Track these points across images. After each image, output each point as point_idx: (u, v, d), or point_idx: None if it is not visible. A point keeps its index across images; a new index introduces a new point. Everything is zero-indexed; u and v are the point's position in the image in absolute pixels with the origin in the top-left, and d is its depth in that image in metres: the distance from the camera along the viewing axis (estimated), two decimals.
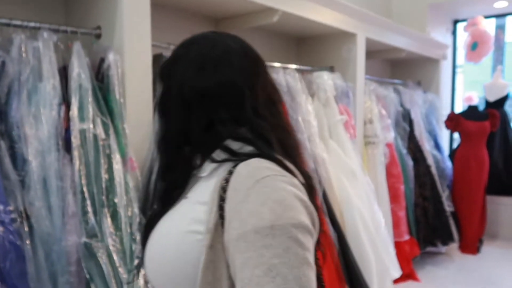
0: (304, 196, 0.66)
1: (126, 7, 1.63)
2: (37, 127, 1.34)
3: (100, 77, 1.63)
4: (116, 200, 1.43)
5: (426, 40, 3.96)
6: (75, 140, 1.40)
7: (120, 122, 1.59)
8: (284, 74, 2.43)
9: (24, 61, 1.37)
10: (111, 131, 1.55)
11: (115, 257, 1.33)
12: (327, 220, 2.28)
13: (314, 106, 2.55)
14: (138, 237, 1.46)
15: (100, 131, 1.49)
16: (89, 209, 1.35)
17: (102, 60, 1.63)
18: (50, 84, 1.39)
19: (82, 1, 1.79)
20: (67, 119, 1.47)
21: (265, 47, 2.88)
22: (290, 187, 0.64)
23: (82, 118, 1.44)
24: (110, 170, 1.46)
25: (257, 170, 0.65)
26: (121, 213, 1.43)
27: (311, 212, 0.65)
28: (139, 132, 1.67)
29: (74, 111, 1.44)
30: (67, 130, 1.46)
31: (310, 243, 0.62)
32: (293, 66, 2.61)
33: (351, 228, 2.41)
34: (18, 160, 1.34)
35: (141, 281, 1.42)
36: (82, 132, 1.43)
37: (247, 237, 0.58)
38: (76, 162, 1.39)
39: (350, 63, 3.00)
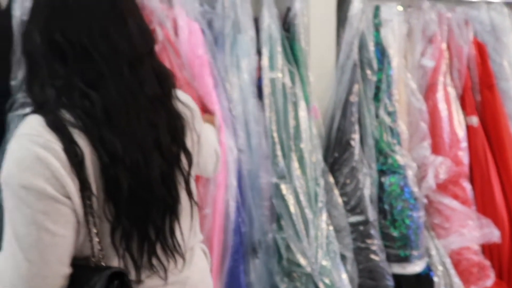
0: (58, 161, 0.65)
1: None
2: (238, 76, 1.48)
3: (286, 26, 1.68)
4: (302, 146, 1.50)
5: None
6: (266, 89, 1.51)
7: (305, 71, 1.63)
8: (488, 9, 2.03)
9: (226, 15, 1.50)
10: (297, 79, 1.60)
11: (301, 198, 1.43)
12: None
13: None
14: (322, 182, 1.52)
15: (287, 80, 1.56)
16: (279, 152, 1.46)
17: (289, 10, 1.66)
18: (248, 36, 1.50)
19: None
20: (259, 68, 1.58)
21: None
22: (39, 148, 0.65)
23: (272, 67, 1.53)
24: (296, 117, 1.53)
25: (21, 127, 0.69)
26: (306, 158, 1.50)
27: (59, 179, 0.65)
28: (322, 80, 1.69)
29: (265, 61, 1.54)
30: (259, 79, 1.58)
31: (51, 207, 0.65)
32: None
33: None
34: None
35: (323, 224, 1.49)
36: (272, 81, 1.52)
37: None
38: (267, 109, 1.50)
39: None
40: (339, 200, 1.57)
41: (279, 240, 1.46)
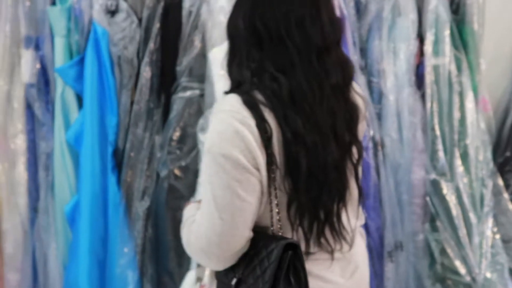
0: (252, 135, 0.71)
1: None
2: (394, 63, 1.39)
3: (454, 7, 1.50)
4: (467, 142, 1.34)
5: None
6: (429, 77, 1.38)
7: (475, 57, 1.44)
8: None
9: None
10: (464, 67, 1.43)
11: (465, 199, 1.28)
12: None
13: None
14: (489, 184, 1.34)
15: (453, 67, 1.40)
16: (440, 147, 1.33)
17: None
18: (409, 19, 1.39)
19: None
20: (419, 54, 1.45)
21: None
22: (237, 123, 0.72)
23: (436, 53, 1.39)
24: (462, 109, 1.37)
25: (221, 103, 0.80)
26: (471, 156, 1.34)
27: (252, 151, 0.71)
28: (496, 67, 1.48)
29: (429, 46, 1.40)
30: (419, 66, 1.45)
31: (242, 175, 0.72)
32: None
33: None
34: (374, 94, 1.45)
35: (488, 231, 1.32)
36: (436, 68, 1.39)
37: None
38: (429, 99, 1.37)
39: None
40: (510, 206, 1.36)
41: (432, 242, 1.34)
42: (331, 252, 0.81)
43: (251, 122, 0.72)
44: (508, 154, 1.43)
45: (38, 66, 1.35)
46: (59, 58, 1.35)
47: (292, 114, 0.73)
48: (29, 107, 1.35)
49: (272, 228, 0.77)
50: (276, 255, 0.72)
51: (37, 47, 1.35)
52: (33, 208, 1.36)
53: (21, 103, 1.34)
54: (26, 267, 1.31)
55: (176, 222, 1.33)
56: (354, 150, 0.82)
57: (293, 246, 0.74)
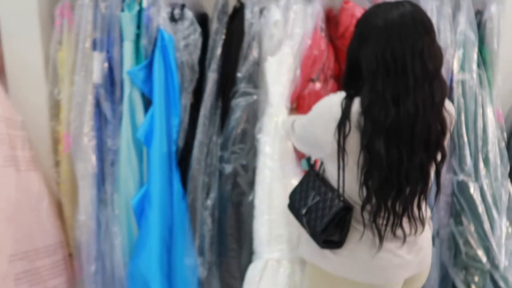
0: (333, 123, 0.97)
1: None
2: None
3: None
4: (488, 148, 1.54)
5: None
6: (456, 90, 1.56)
7: (493, 73, 1.65)
8: None
9: None
10: (484, 82, 1.62)
11: (488, 198, 1.48)
12: None
13: None
14: (508, 184, 1.55)
15: (476, 82, 1.60)
16: (467, 152, 1.52)
17: (479, 13, 1.68)
18: (447, 37, 1.55)
19: None
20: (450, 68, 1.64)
21: None
22: (329, 109, 0.99)
23: (463, 69, 1.58)
24: (484, 119, 1.57)
25: (335, 94, 1.03)
26: (491, 160, 1.54)
27: (328, 132, 1.00)
28: (508, 83, 1.69)
29: (456, 63, 1.58)
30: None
31: (313, 139, 1.09)
32: None
33: None
34: None
35: (505, 225, 1.52)
36: (463, 83, 1.57)
37: None
38: (456, 110, 1.55)
39: None
40: None
41: (457, 234, 1.53)
42: (405, 236, 1.01)
43: (338, 115, 0.95)
44: None
45: (106, 67, 1.42)
46: (127, 61, 1.43)
47: (378, 140, 0.91)
48: (97, 106, 1.42)
49: (340, 192, 1.04)
50: (334, 211, 1.00)
51: (107, 50, 1.42)
52: (100, 200, 1.44)
53: (91, 102, 1.40)
54: (99, 257, 1.38)
55: (238, 216, 1.45)
56: (439, 155, 0.99)
57: (348, 208, 1.02)
